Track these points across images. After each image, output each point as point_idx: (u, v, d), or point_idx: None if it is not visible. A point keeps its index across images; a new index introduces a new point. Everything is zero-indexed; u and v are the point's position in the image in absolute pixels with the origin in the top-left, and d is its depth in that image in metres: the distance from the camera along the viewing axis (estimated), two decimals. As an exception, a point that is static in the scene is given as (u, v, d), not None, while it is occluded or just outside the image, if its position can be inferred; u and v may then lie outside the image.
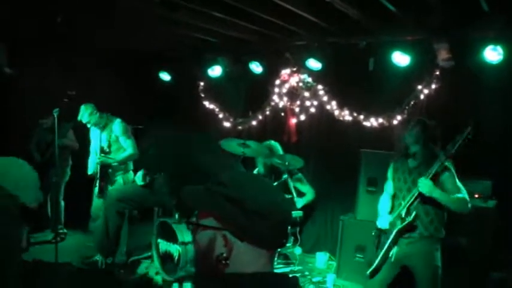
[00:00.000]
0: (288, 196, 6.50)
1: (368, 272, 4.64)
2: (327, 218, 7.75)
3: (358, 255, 6.44)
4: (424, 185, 4.27)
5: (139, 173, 5.53)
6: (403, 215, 4.47)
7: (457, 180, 4.43)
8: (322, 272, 7.00)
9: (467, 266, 5.47)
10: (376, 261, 4.57)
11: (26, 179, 2.54)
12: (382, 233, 4.66)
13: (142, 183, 5.42)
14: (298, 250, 7.15)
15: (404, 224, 4.44)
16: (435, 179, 4.35)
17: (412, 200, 4.43)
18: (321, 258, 7.23)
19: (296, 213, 6.80)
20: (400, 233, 4.49)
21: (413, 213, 4.40)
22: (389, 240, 4.51)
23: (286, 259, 6.99)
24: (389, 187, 4.86)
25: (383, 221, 4.65)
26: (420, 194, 4.35)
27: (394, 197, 4.80)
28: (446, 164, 4.40)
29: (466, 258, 5.47)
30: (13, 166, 2.55)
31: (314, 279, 6.65)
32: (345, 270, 6.53)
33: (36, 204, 2.53)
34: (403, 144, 4.62)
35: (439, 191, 4.28)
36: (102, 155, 6.76)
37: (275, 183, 6.47)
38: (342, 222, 6.68)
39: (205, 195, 1.63)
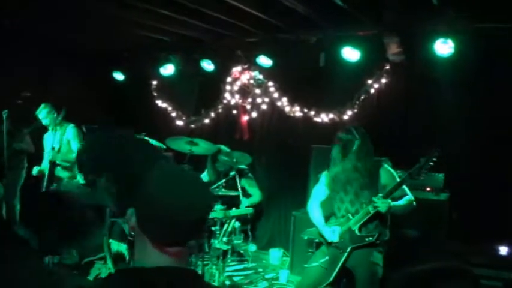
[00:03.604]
0: (234, 193, 6.44)
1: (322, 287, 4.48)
2: (281, 214, 7.75)
3: (310, 250, 6.43)
4: (384, 206, 4.24)
5: None
6: (356, 231, 4.40)
7: (397, 177, 4.49)
8: (276, 268, 6.98)
9: (419, 258, 5.51)
10: (332, 276, 4.41)
11: None
12: (331, 246, 4.52)
13: (83, 182, 5.33)
14: (252, 247, 7.12)
15: (364, 243, 4.37)
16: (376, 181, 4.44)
17: (366, 218, 4.36)
18: (275, 255, 7.23)
19: (246, 211, 6.77)
20: (356, 249, 4.43)
21: (376, 235, 4.34)
22: (344, 257, 4.40)
23: (240, 256, 6.96)
24: (321, 194, 4.83)
25: (330, 233, 4.50)
26: (376, 213, 4.32)
27: (323, 203, 4.82)
28: (386, 165, 4.50)
29: (418, 250, 5.52)
30: None
31: (267, 276, 6.66)
32: (298, 265, 6.48)
33: None
34: (341, 154, 4.55)
35: (394, 204, 4.31)
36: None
37: (223, 180, 6.40)
38: (294, 217, 6.69)
39: None
